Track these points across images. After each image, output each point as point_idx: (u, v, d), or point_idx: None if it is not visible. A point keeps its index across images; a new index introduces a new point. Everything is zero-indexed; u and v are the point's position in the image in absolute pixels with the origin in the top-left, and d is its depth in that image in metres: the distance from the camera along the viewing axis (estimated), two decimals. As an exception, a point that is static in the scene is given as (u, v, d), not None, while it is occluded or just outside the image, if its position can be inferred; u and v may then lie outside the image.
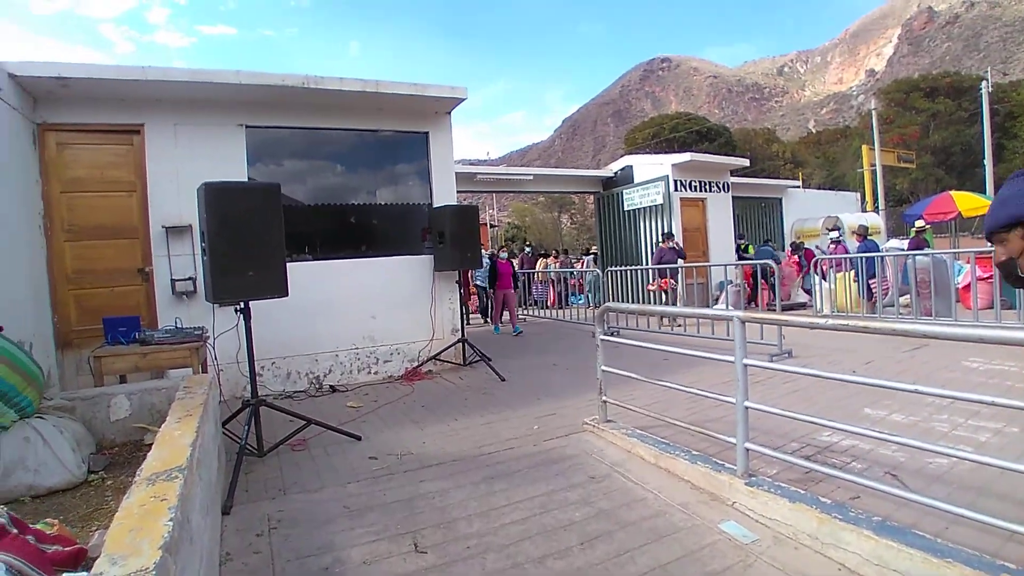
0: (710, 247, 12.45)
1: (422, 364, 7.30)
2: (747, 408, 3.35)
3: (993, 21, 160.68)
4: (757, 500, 3.17)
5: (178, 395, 3.46)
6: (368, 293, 7.10)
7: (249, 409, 4.27)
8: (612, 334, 9.50)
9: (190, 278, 6.17)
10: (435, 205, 7.57)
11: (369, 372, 7.12)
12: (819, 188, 29.09)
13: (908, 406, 4.72)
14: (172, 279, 6.14)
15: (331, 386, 6.77)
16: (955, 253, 9.24)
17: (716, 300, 10.98)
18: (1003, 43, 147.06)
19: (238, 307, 4.30)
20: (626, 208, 13.06)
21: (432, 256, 7.46)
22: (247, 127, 6.65)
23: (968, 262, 9.43)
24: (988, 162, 20.10)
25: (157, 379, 4.88)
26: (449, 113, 7.75)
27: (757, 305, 11.25)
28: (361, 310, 7.05)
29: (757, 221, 16.37)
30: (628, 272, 12.13)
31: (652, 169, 12.54)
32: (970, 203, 13.53)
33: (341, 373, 6.96)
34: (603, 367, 4.47)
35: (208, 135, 6.44)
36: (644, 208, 12.51)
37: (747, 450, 3.36)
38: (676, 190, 11.99)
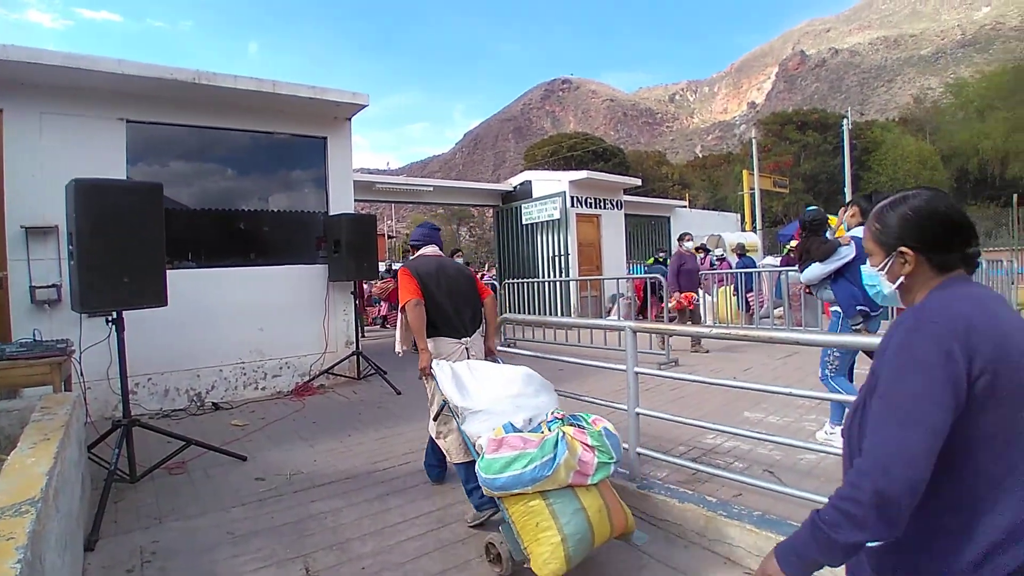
0: (603, 261, 12.88)
1: (314, 378, 7.02)
2: (638, 414, 3.47)
3: (853, 68, 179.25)
4: (649, 503, 3.30)
5: (34, 417, 3.10)
6: (257, 304, 6.72)
7: (120, 430, 3.90)
8: (509, 345, 9.59)
9: (54, 285, 5.58)
10: (331, 213, 7.33)
11: (256, 388, 6.75)
12: (704, 208, 30.97)
13: (783, 408, 5.08)
14: (32, 286, 5.52)
15: (214, 403, 6.34)
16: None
17: (608, 312, 11.34)
18: (861, 87, 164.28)
19: (110, 317, 3.91)
20: (524, 222, 13.28)
21: (327, 266, 7.21)
22: (128, 122, 6.14)
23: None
24: (848, 190, 22.27)
25: (9, 399, 4.38)
26: (349, 119, 7.56)
27: (646, 317, 11.75)
28: (249, 322, 6.67)
29: (647, 238, 17.16)
30: (526, 284, 12.35)
31: (550, 185, 12.83)
32: (834, 225, 14.88)
33: (226, 389, 6.54)
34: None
35: (81, 128, 5.86)
36: (541, 222, 12.78)
37: (638, 455, 3.48)
38: (572, 206, 12.33)
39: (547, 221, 12.63)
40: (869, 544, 1.20)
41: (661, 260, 11.90)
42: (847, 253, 4.18)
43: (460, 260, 9.17)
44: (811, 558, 1.22)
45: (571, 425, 2.81)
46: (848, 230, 4.44)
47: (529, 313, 12.04)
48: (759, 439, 3.60)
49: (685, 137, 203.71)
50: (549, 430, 2.73)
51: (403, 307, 3.66)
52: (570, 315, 11.19)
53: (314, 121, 7.31)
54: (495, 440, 2.68)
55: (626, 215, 14.29)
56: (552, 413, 2.92)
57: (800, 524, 1.26)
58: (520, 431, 2.75)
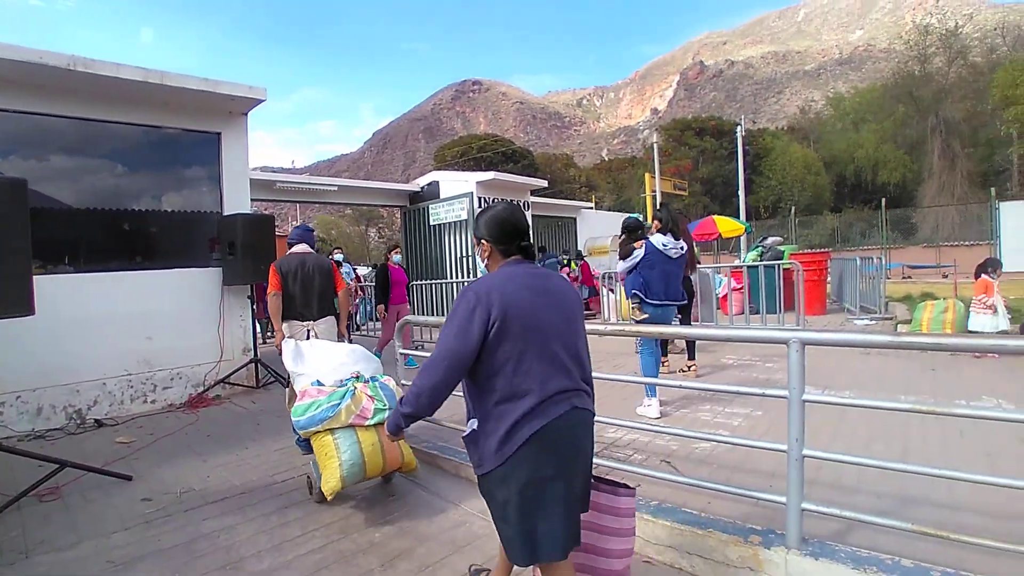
0: (513, 263, 12.99)
1: (209, 389, 6.63)
2: None
3: (747, 79, 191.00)
4: None
5: None
6: (144, 311, 6.27)
7: (-25, 455, 3.52)
8: (417, 348, 9.48)
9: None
10: (226, 213, 6.95)
11: (145, 401, 6.30)
12: (609, 210, 31.91)
13: (680, 400, 5.30)
14: None
15: (97, 420, 5.85)
16: (717, 268, 10.64)
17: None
18: (754, 97, 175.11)
19: (-36, 330, 3.55)
20: (432, 223, 13.19)
21: (221, 269, 6.83)
22: (-10, 111, 5.55)
23: (726, 276, 10.96)
24: (741, 193, 23.62)
25: None
26: (246, 114, 7.21)
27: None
28: (135, 330, 6.21)
29: (555, 238, 17.47)
30: (434, 285, 12.27)
31: (458, 185, 12.81)
32: (728, 226, 15.80)
33: (110, 404, 6.05)
34: (403, 381, 4.42)
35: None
36: (449, 223, 12.73)
37: None
38: (480, 206, 12.37)
39: (455, 222, 12.59)
40: (465, 434, 2.01)
41: (564, 262, 12.13)
42: (638, 254, 5.35)
43: (398, 257, 8.59)
44: (394, 422, 2.12)
45: (364, 383, 3.63)
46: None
47: (439, 314, 11.95)
48: (655, 431, 3.76)
49: (592, 141, 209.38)
50: (344, 385, 3.58)
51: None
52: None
53: (207, 115, 6.91)
54: (302, 392, 3.55)
55: (533, 216, 14.48)
56: (354, 374, 3.70)
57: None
58: (324, 386, 3.58)
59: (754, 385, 5.85)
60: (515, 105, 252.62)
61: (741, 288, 10.24)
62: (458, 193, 12.64)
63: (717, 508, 3.00)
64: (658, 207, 6.09)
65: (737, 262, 15.32)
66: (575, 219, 17.99)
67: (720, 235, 16.12)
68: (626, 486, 2.17)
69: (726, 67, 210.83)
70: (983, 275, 7.64)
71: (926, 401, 5.03)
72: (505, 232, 2.07)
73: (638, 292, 5.22)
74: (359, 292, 12.39)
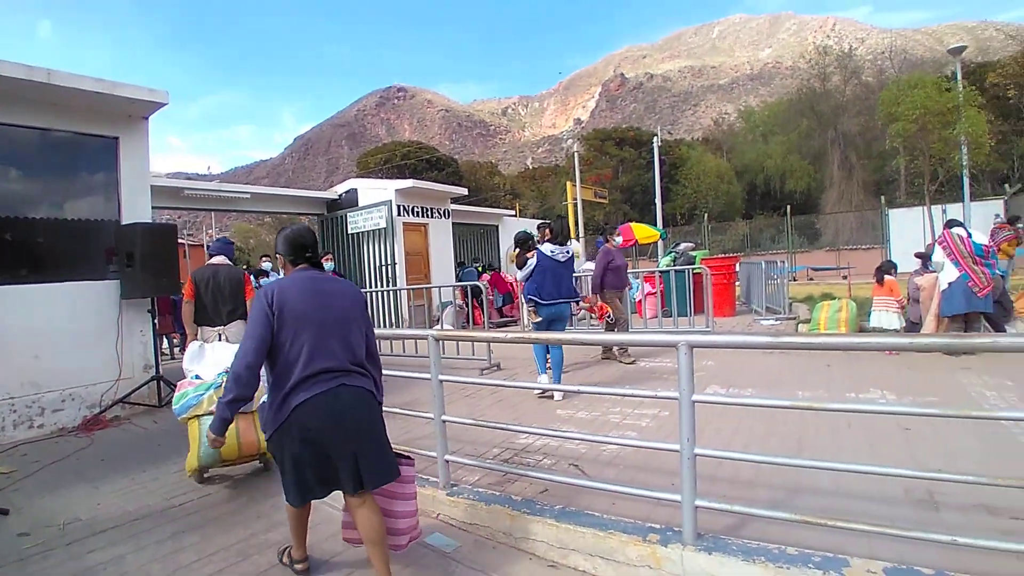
0: (432, 270, 12.92)
1: (106, 410, 6.21)
2: (444, 422, 3.49)
3: (666, 91, 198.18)
4: (458, 508, 3.34)
5: None
6: (30, 327, 5.81)
7: None
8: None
9: None
10: (124, 222, 6.55)
11: (32, 426, 5.83)
12: (533, 218, 32.26)
13: (592, 403, 5.40)
14: None
15: (-27, 446, 5.38)
16: (633, 273, 10.94)
17: (438, 321, 11.35)
18: (672, 109, 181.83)
19: None
20: (350, 231, 12.95)
21: (118, 282, 6.43)
22: None
23: (650, 280, 11.29)
24: (658, 200, 24.44)
25: None
26: (146, 118, 6.84)
27: (472, 323, 11.95)
28: (19, 349, 5.74)
29: (477, 246, 17.49)
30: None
31: (376, 193, 12.63)
32: (644, 233, 16.32)
33: (-11, 429, 5.58)
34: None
35: None
36: (368, 232, 12.53)
37: (447, 462, 3.51)
38: (399, 215, 12.24)
39: (373, 230, 12.41)
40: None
41: (480, 269, 12.14)
42: (532, 263, 6.08)
43: (330, 265, 8.05)
44: (219, 418, 2.50)
45: None
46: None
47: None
48: (560, 437, 3.83)
49: (517, 149, 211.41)
50: (217, 379, 4.07)
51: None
52: (399, 325, 11.06)
53: (103, 119, 6.52)
54: (179, 384, 4.16)
55: (455, 224, 14.46)
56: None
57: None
58: (201, 379, 4.13)
59: (666, 385, 6.04)
60: (440, 113, 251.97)
61: (656, 292, 10.56)
62: (377, 201, 12.46)
63: (621, 509, 3.07)
64: (554, 218, 6.83)
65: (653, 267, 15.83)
66: (497, 227, 18.08)
67: (637, 241, 16.59)
68: (408, 457, 2.83)
69: (646, 80, 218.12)
70: (887, 276, 8.23)
71: (819, 396, 5.35)
72: (293, 248, 2.69)
73: (533, 297, 6.02)
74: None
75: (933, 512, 2.92)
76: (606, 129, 56.74)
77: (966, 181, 16.99)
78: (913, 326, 8.07)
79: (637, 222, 20.69)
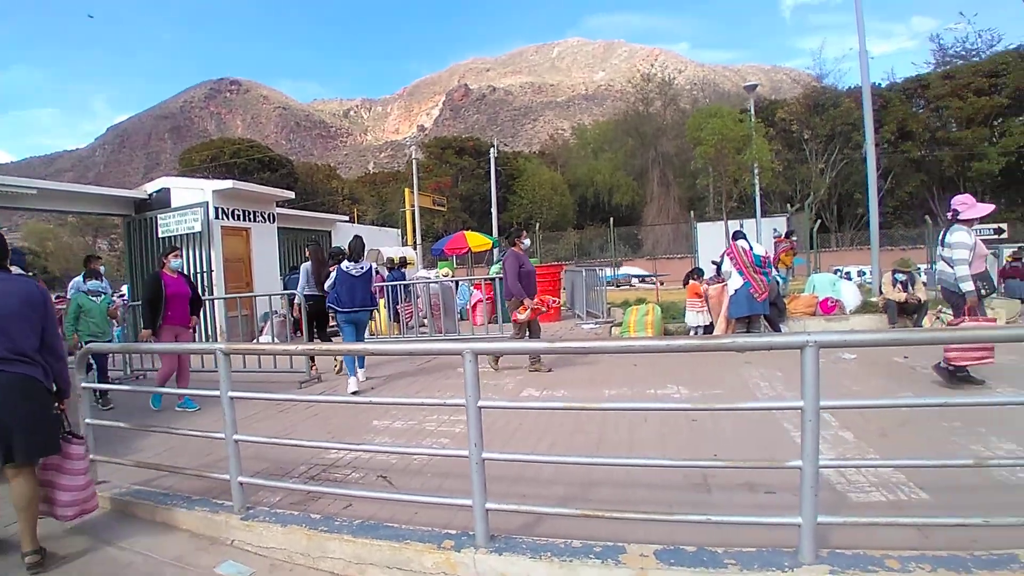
0: (255, 278, 12.18)
1: None
2: (237, 441, 3.31)
3: (507, 105, 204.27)
4: (253, 533, 3.17)
5: None
6: None
7: None
8: (137, 378, 8.46)
9: None
10: None
11: None
12: (372, 224, 31.72)
13: (409, 412, 5.35)
14: None
15: None
16: (469, 280, 11.12)
17: (261, 332, 10.69)
18: (512, 122, 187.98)
19: None
20: (161, 235, 11.81)
21: None
22: None
23: (478, 287, 11.52)
24: (494, 210, 25.12)
25: None
26: None
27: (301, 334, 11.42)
28: None
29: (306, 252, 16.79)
30: (164, 305, 10.97)
31: (191, 194, 11.67)
32: (477, 240, 16.74)
33: None
34: (88, 420, 3.88)
35: None
36: (181, 235, 11.52)
37: (241, 484, 3.32)
38: (217, 218, 11.41)
39: (187, 234, 11.44)
40: None
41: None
42: (333, 276, 6.84)
43: (177, 262, 6.58)
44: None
45: None
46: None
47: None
48: (363, 450, 3.78)
49: (359, 153, 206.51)
50: None
51: None
52: (216, 338, 10.29)
53: None
54: None
55: (283, 229, 13.77)
56: None
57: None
58: None
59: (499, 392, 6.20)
60: (277, 110, 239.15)
61: (490, 299, 10.80)
62: (192, 203, 11.50)
63: (424, 517, 3.09)
64: (353, 238, 7.25)
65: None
66: (330, 232, 17.48)
67: (470, 249, 16.93)
68: (79, 437, 3.33)
69: (489, 92, 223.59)
70: (692, 280, 9.19)
71: (623, 393, 5.77)
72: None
73: (332, 305, 6.85)
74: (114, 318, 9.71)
75: (706, 494, 3.27)
76: (447, 137, 57.34)
77: (758, 200, 19.43)
78: (709, 328, 9.08)
79: (475, 230, 21.12)
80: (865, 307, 10.39)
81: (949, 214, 5.85)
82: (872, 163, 12.33)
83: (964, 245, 5.50)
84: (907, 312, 9.37)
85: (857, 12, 12.01)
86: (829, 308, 10.26)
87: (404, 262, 13.89)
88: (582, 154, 46.25)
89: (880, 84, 42.09)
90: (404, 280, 10.79)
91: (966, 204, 5.72)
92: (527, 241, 7.64)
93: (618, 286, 24.18)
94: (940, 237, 5.91)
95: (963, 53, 42.51)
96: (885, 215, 35.62)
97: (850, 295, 10.65)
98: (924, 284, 10.26)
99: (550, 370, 7.20)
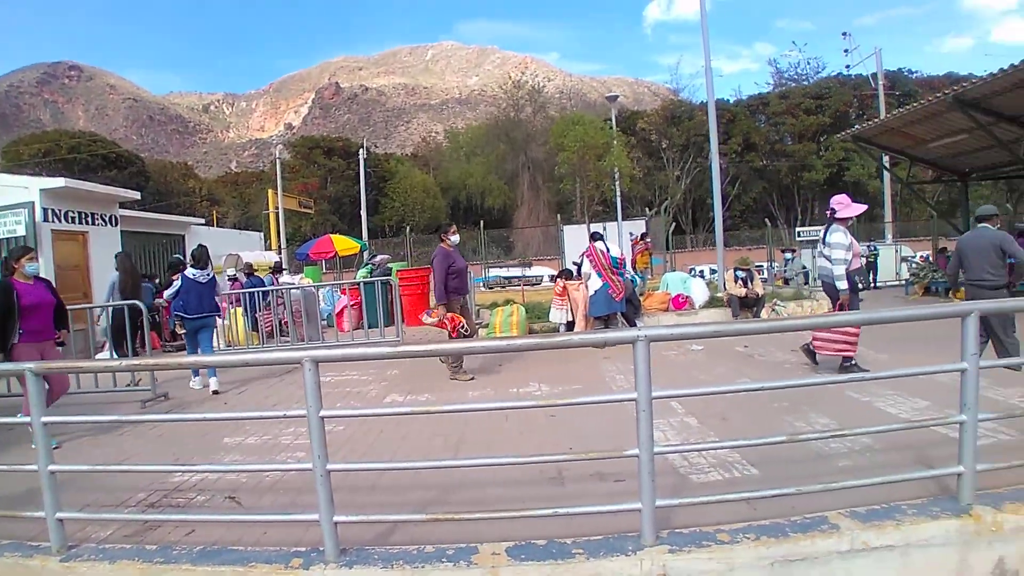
0: (94, 288, 11.09)
1: None
2: (53, 472, 2.97)
3: (380, 106, 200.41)
4: (74, 574, 2.86)
5: None
6: None
7: None
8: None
9: None
10: None
11: None
12: (234, 227, 29.92)
13: (263, 427, 5.09)
14: None
15: None
16: (334, 285, 10.81)
17: (102, 347, 9.73)
18: (385, 123, 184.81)
19: None
20: (-26, 239, 10.45)
21: None
22: None
23: (344, 292, 11.22)
24: (364, 213, 24.61)
25: None
26: None
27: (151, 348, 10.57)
28: None
29: (160, 258, 15.53)
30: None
31: (14, 192, 10.41)
32: (344, 244, 16.35)
33: None
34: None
35: None
36: (2, 240, 10.26)
37: (61, 521, 2.97)
38: (47, 220, 10.27)
39: (8, 238, 10.20)
40: None
41: (157, 286, 10.82)
42: (177, 284, 7.20)
43: (33, 266, 5.22)
44: None
45: None
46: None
47: None
48: (209, 471, 3.58)
49: (220, 151, 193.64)
50: None
51: None
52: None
53: None
54: None
55: (127, 232, 12.66)
56: None
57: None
58: None
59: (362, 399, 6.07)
60: (126, 101, 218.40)
61: (356, 304, 10.58)
62: (15, 202, 10.28)
63: (273, 536, 2.98)
64: (197, 246, 7.51)
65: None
66: (183, 236, 16.27)
67: (337, 253, 16.49)
68: None
69: (361, 92, 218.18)
70: (557, 280, 9.59)
71: (487, 394, 5.90)
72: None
73: (179, 313, 7.03)
74: None
75: (560, 487, 3.42)
76: (315, 137, 55.25)
77: (619, 204, 20.55)
78: (572, 324, 9.49)
79: (344, 234, 20.56)
80: (712, 302, 11.37)
81: (828, 212, 6.48)
82: (716, 171, 13.50)
83: (841, 245, 6.11)
84: (748, 305, 10.43)
85: (704, 34, 13.15)
86: (680, 304, 11.12)
87: (279, 267, 13.24)
88: (455, 157, 46.45)
89: (728, 100, 46.68)
90: (264, 287, 10.29)
91: (842, 204, 6.33)
92: (455, 237, 7.21)
93: (489, 288, 24.56)
94: (820, 235, 6.56)
95: (796, 77, 48.90)
96: (733, 218, 39.19)
97: (699, 291, 11.60)
98: (764, 280, 11.39)
99: (472, 378, 6.79)
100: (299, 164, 42.61)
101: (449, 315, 6.74)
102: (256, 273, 10.45)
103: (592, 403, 2.92)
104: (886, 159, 18.42)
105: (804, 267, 18.57)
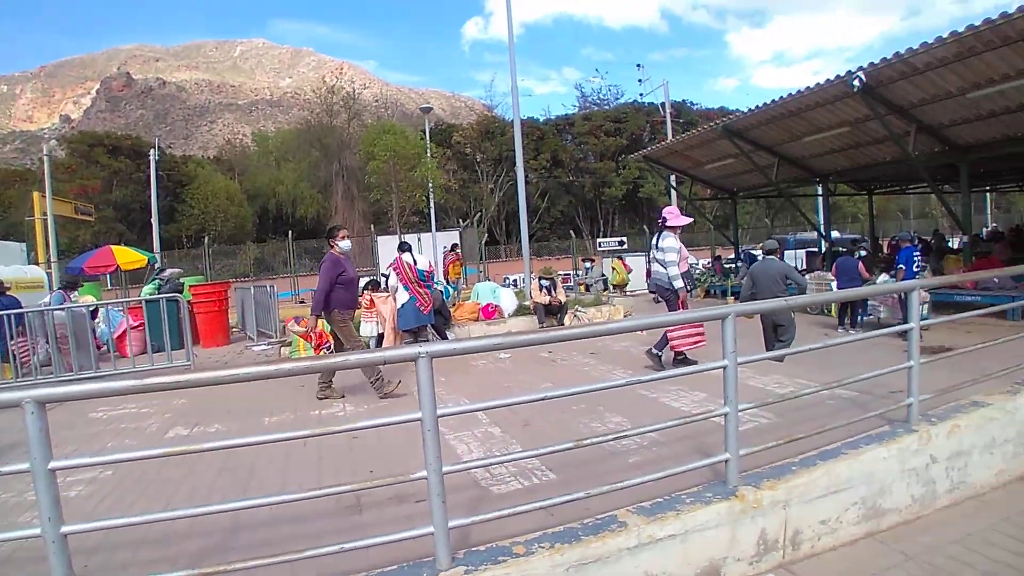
0: None
1: None
2: None
3: (180, 102, 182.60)
4: None
5: None
6: None
7: None
8: None
9: None
10: None
11: None
12: (-7, 235, 25.60)
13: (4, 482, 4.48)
14: None
15: None
16: (112, 304, 9.74)
17: None
18: (186, 122, 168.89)
19: None
20: None
21: None
22: None
23: (126, 313, 10.14)
24: (155, 221, 22.40)
25: None
26: None
27: None
28: None
29: None
30: None
31: None
32: (128, 257, 14.69)
33: None
34: None
35: None
36: None
37: None
38: None
39: None
40: None
41: None
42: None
43: None
44: None
45: None
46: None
47: None
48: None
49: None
50: None
51: None
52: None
53: None
54: None
55: None
56: None
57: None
58: None
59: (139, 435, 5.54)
60: None
61: (141, 326, 9.54)
62: None
63: None
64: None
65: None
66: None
67: (119, 267, 14.83)
68: None
69: (157, 85, 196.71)
70: (364, 292, 9.38)
71: (286, 419, 5.62)
72: None
73: None
74: None
75: (358, 515, 3.34)
76: (98, 133, 48.65)
77: (433, 215, 20.94)
78: (382, 337, 9.46)
79: (132, 245, 18.51)
80: (520, 310, 11.99)
81: (660, 220, 7.08)
82: (522, 185, 14.45)
83: (674, 249, 6.68)
84: (552, 312, 11.17)
85: (511, 57, 13.98)
86: (490, 313, 11.59)
87: (74, 283, 11.36)
88: (264, 163, 43.84)
89: (539, 119, 49.83)
90: (19, 308, 8.96)
91: (673, 213, 7.01)
92: (346, 242, 6.64)
93: (302, 302, 23.51)
94: (654, 241, 7.07)
95: (598, 101, 53.73)
96: (543, 230, 41.61)
97: (508, 301, 12.18)
98: (568, 288, 12.23)
99: (343, 396, 6.50)
100: (77, 163, 37.23)
101: (318, 331, 6.49)
102: (9, 292, 9.00)
103: (370, 427, 2.83)
104: (673, 178, 20.78)
105: (603, 275, 20.22)
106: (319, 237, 36.09)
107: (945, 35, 8.90)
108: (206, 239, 25.52)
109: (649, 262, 9.80)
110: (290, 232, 26.84)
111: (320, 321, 7.02)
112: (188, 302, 10.74)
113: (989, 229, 24.20)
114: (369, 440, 4.55)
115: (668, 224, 6.91)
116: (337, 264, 6.30)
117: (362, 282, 9.24)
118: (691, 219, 8.28)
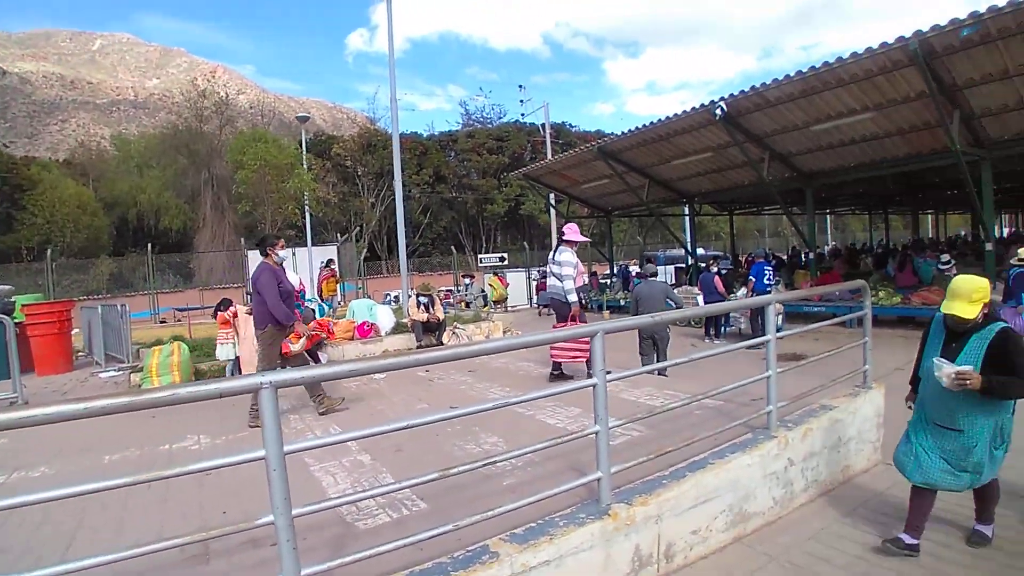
0: None
1: None
2: None
3: (24, 96, 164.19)
4: None
5: None
6: None
7: None
8: None
9: None
10: None
11: None
12: None
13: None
14: None
15: None
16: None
17: None
18: (31, 119, 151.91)
19: None
20: None
21: None
22: None
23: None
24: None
25: None
26: None
27: None
28: None
29: None
30: None
31: None
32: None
33: None
34: None
35: None
36: None
37: None
38: None
39: None
40: None
41: None
42: None
43: None
44: None
45: None
46: None
47: None
48: None
49: None
50: None
51: None
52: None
53: None
54: None
55: None
56: None
57: None
58: None
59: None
60: None
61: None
62: None
63: None
64: None
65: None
66: None
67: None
68: None
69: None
70: (219, 312, 8.59)
71: (131, 456, 5.16)
72: None
73: None
74: None
75: (204, 565, 2.99)
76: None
77: (308, 229, 20.31)
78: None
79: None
80: (398, 328, 11.83)
81: (559, 235, 7.38)
82: (400, 199, 14.55)
83: (571, 264, 6.78)
84: (430, 330, 11.06)
85: (391, 71, 14.02)
86: (366, 332, 11.35)
87: None
88: (124, 168, 40.12)
89: (422, 134, 49.81)
90: None
91: (572, 230, 7.17)
92: (284, 252, 6.24)
93: (163, 322, 21.95)
94: (551, 256, 7.16)
95: (482, 119, 54.63)
96: (425, 245, 41.55)
97: (385, 318, 11.94)
98: (447, 304, 12.19)
99: (343, 399, 6.38)
100: None
101: (312, 325, 6.32)
102: None
103: (210, 469, 2.45)
104: (552, 197, 21.51)
105: (483, 291, 20.49)
106: (184, 251, 33.90)
107: (792, 74, 10.30)
108: (49, 251, 23.05)
109: (543, 276, 10.27)
110: (150, 245, 24.88)
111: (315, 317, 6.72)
112: (19, 324, 9.78)
113: (830, 247, 27.30)
114: (223, 474, 4.02)
115: (566, 239, 7.10)
116: (276, 274, 5.95)
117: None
118: (588, 239, 8.77)
